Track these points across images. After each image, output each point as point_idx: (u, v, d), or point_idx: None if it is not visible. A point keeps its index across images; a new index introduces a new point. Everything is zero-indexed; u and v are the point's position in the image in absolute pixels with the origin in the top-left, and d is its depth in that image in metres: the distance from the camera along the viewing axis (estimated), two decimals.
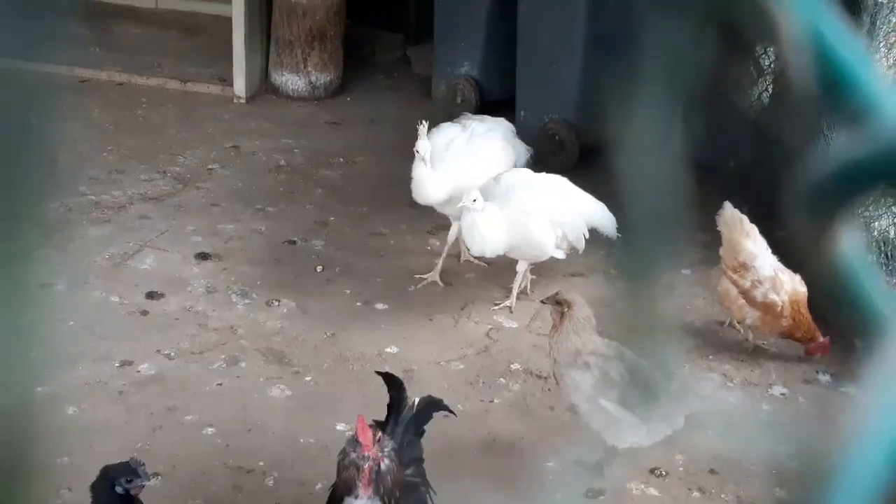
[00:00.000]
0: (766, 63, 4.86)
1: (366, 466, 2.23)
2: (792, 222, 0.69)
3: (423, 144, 4.08)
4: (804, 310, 3.68)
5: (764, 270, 3.72)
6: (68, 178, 4.97)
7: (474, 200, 3.83)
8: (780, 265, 3.74)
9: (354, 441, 2.26)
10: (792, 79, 0.66)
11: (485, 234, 3.89)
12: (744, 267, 3.73)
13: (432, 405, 2.69)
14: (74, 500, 2.99)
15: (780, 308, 3.69)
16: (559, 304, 3.05)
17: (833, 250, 0.69)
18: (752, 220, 3.85)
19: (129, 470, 2.32)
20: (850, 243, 0.70)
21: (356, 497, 2.24)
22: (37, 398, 2.88)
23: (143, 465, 2.34)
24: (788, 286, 3.70)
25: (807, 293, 3.67)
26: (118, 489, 2.31)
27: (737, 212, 3.80)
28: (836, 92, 0.65)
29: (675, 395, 2.85)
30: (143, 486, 2.34)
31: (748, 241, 3.75)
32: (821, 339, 3.72)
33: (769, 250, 3.76)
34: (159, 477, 3.12)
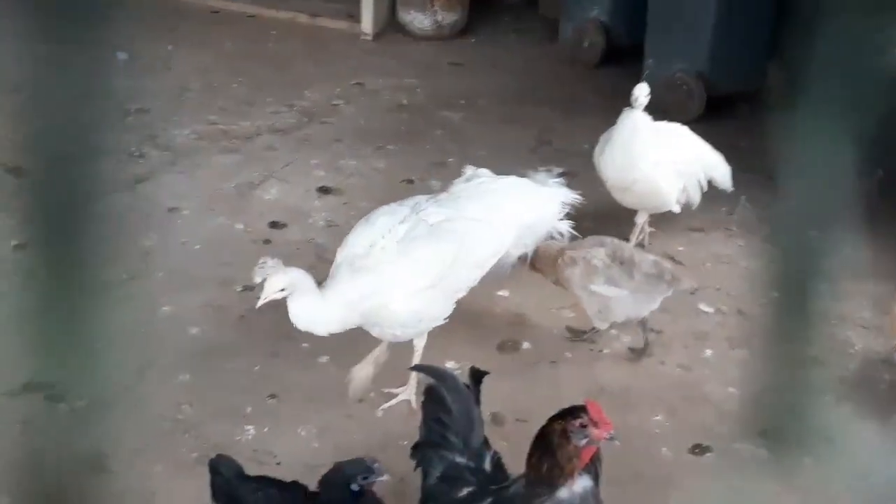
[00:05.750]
0: None
1: (590, 448, 2.18)
2: None
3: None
4: None
5: None
6: (199, 106, 5.12)
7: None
8: None
9: (582, 428, 2.19)
10: None
11: (638, 151, 3.85)
12: None
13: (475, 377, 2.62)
14: (193, 415, 3.14)
15: None
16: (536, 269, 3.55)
17: None
18: None
19: (366, 467, 2.33)
20: None
21: (569, 484, 2.19)
22: (161, 317, 3.03)
23: (377, 462, 2.35)
24: None
25: None
26: (353, 486, 2.33)
27: None
28: None
29: (650, 272, 3.35)
30: (377, 483, 2.34)
31: None
32: None
33: None
34: (276, 399, 3.23)
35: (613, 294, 3.38)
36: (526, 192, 3.44)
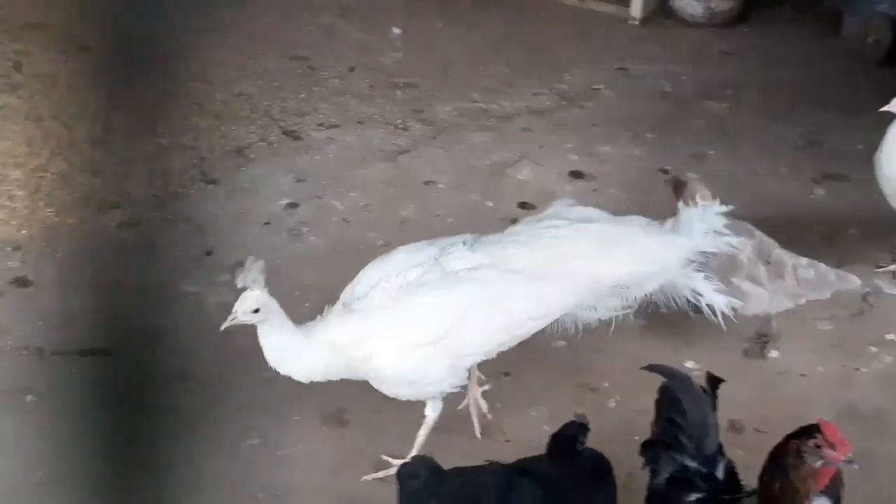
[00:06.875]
0: None
1: (827, 470, 2.09)
2: None
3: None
4: None
5: None
6: (463, 84, 5.24)
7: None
8: None
9: (817, 448, 2.08)
10: None
11: None
12: None
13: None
14: None
15: None
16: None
17: None
18: None
19: (585, 427, 2.54)
20: None
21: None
22: None
23: (585, 417, 2.58)
24: None
25: None
26: (578, 446, 2.52)
27: None
28: None
29: (808, 279, 3.27)
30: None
31: None
32: None
33: None
34: (510, 377, 3.26)
35: (752, 290, 3.27)
36: (619, 242, 2.79)
